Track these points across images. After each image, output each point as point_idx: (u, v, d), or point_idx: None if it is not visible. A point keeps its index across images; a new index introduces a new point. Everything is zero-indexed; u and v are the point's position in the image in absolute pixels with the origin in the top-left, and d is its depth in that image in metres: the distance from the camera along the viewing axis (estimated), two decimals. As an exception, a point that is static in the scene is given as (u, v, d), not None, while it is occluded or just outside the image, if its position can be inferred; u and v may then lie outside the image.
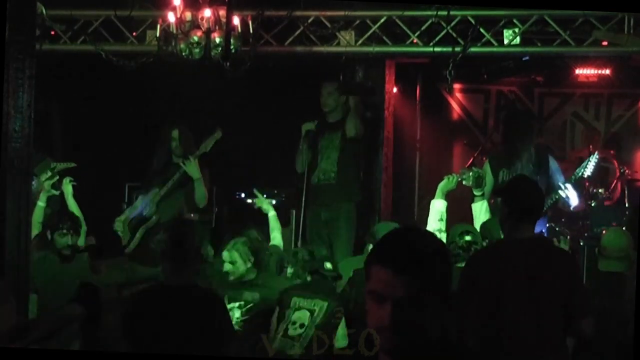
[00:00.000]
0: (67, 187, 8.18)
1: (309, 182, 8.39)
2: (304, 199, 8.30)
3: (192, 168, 8.30)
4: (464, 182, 7.35)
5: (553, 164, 7.98)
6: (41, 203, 8.06)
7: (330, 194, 8.39)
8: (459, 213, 7.63)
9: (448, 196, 7.32)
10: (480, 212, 7.18)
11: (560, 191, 7.73)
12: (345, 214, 8.40)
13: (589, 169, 7.87)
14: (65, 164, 8.33)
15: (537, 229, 7.32)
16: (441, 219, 7.13)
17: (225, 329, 5.24)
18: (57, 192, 8.16)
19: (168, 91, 9.56)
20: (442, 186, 7.42)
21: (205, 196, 8.31)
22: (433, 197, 7.37)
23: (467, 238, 5.91)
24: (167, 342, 5.00)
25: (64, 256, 7.23)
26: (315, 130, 8.55)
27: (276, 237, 7.68)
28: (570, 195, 7.78)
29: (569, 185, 7.73)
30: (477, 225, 7.03)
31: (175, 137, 8.49)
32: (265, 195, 8.20)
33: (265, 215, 7.92)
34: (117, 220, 8.55)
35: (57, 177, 8.20)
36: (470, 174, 7.33)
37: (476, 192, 7.31)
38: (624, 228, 7.48)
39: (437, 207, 7.26)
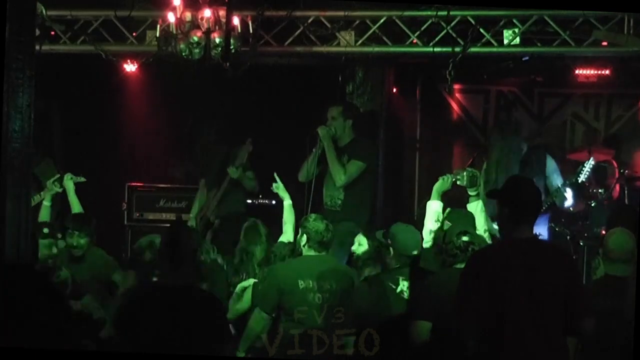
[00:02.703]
0: (69, 184, 8.21)
1: (315, 204, 8.21)
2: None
3: (235, 173, 8.64)
4: (458, 182, 7.35)
5: (551, 164, 7.99)
6: (47, 202, 8.13)
7: (335, 219, 8.04)
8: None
9: (445, 197, 7.33)
10: (475, 212, 7.18)
11: (556, 193, 7.75)
12: (343, 230, 7.92)
13: (583, 174, 7.90)
14: (76, 177, 8.33)
15: (538, 229, 7.36)
16: (438, 220, 7.12)
17: (221, 329, 5.24)
18: (59, 190, 8.19)
19: (169, 91, 9.58)
20: (437, 187, 7.42)
21: (255, 187, 8.79)
22: (470, 200, 7.35)
23: (465, 238, 5.90)
24: (163, 342, 5.01)
25: (75, 258, 7.30)
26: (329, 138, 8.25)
27: (288, 230, 7.57)
28: (567, 197, 7.80)
29: (565, 188, 7.76)
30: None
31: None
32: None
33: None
34: (192, 218, 8.80)
35: (59, 175, 8.24)
36: (465, 173, 7.33)
37: (471, 192, 7.31)
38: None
39: (434, 208, 7.25)
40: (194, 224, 8.57)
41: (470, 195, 7.30)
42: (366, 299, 6.21)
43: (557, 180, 7.83)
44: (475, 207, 7.20)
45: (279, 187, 7.86)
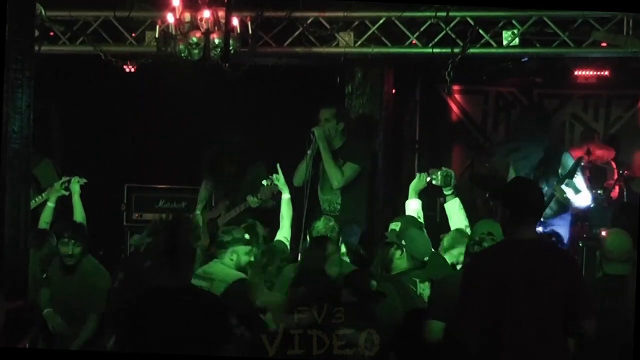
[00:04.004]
0: (75, 186, 8.19)
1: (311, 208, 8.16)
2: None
3: (255, 204, 8.27)
4: (433, 182, 7.40)
5: (568, 163, 8.01)
6: (51, 204, 8.11)
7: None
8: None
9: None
10: (453, 210, 7.20)
11: (556, 191, 7.78)
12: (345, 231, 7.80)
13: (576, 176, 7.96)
14: (75, 178, 8.29)
15: (560, 231, 7.41)
16: (418, 217, 7.16)
17: (222, 330, 5.24)
18: (67, 193, 8.17)
19: (168, 92, 9.56)
20: (414, 185, 7.46)
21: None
22: (447, 199, 7.37)
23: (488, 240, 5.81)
24: (164, 344, 5.01)
25: (66, 267, 7.19)
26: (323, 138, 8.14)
27: (285, 225, 7.57)
28: (568, 194, 7.83)
29: (564, 187, 7.81)
30: (453, 225, 7.06)
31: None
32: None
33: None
34: (197, 215, 8.56)
35: (67, 178, 8.22)
36: (439, 173, 7.37)
37: (446, 192, 7.34)
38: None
39: (413, 207, 7.30)
40: (200, 220, 8.41)
41: (447, 195, 7.33)
42: (395, 298, 6.12)
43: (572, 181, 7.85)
44: (453, 205, 7.23)
45: (279, 179, 7.80)
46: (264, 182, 8.10)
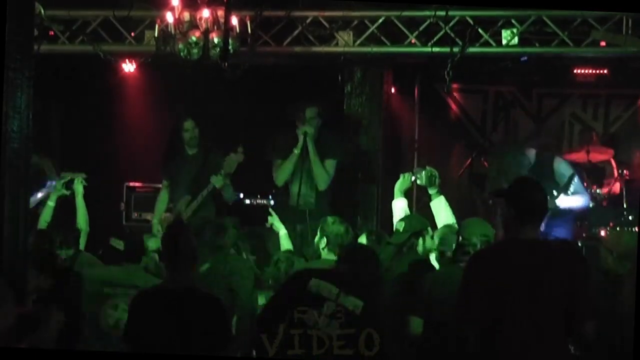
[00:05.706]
0: (78, 187, 8.14)
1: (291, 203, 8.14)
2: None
3: (220, 182, 8.24)
4: (417, 182, 7.42)
5: (559, 167, 8.03)
6: (51, 203, 8.07)
7: (312, 217, 7.90)
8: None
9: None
10: (439, 208, 7.21)
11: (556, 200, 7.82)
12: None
13: (571, 187, 8.00)
14: (71, 174, 8.24)
15: (560, 233, 7.43)
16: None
17: (223, 331, 5.24)
18: (67, 193, 8.14)
19: (166, 92, 9.56)
20: (399, 185, 7.47)
21: (233, 197, 8.45)
22: (432, 198, 7.38)
23: (483, 240, 5.81)
24: (165, 346, 5.01)
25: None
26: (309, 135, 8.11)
27: (285, 246, 7.52)
28: (568, 202, 7.88)
29: (562, 197, 7.86)
30: (439, 222, 7.06)
31: (188, 128, 8.44)
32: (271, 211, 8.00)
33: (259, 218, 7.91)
34: (155, 224, 8.47)
35: (69, 177, 8.19)
36: (423, 173, 7.39)
37: (431, 191, 7.36)
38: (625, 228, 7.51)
39: (400, 206, 7.30)
40: (159, 229, 8.21)
41: (431, 194, 7.34)
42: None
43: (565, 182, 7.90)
44: (439, 203, 7.24)
45: (274, 219, 7.77)
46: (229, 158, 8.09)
